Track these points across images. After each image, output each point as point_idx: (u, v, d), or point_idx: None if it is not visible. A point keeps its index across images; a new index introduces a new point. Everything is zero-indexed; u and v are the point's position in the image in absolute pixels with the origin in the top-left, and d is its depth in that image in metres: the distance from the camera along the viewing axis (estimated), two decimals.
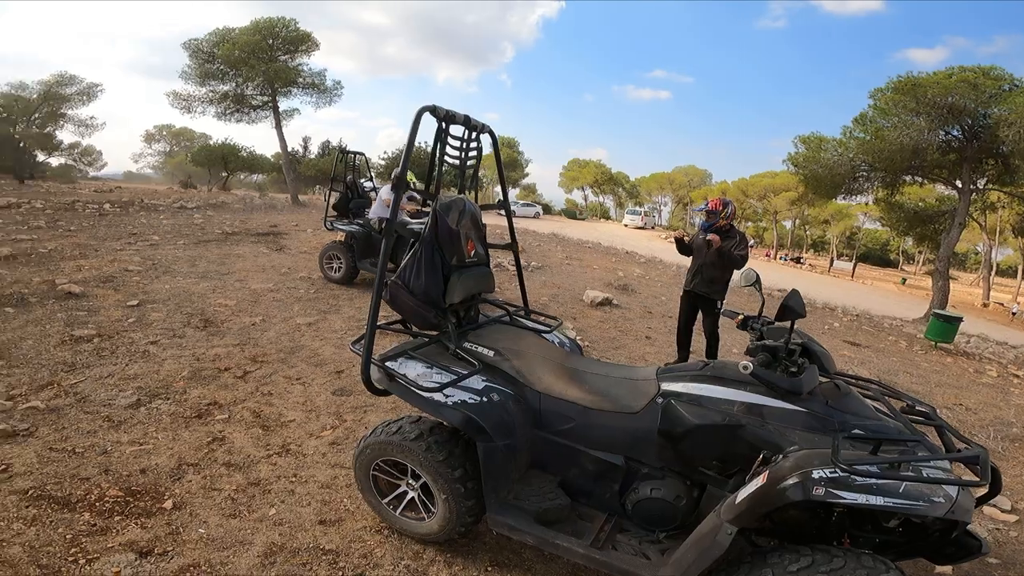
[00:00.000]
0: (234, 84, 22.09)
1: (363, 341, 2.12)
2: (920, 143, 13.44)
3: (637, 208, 47.80)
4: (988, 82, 12.76)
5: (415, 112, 2.05)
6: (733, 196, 44.70)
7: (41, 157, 42.30)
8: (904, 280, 37.89)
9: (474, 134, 2.37)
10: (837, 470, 1.45)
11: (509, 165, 53.36)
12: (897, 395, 2.07)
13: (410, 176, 7.09)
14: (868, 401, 1.96)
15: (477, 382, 2.09)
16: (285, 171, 24.30)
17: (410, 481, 2.25)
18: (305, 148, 44.85)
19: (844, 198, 17.08)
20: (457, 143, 2.33)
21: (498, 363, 2.19)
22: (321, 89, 23.94)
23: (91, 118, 37.45)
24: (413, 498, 2.27)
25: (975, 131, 13.49)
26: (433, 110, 2.13)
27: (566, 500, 2.08)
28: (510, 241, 2.83)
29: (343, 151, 7.43)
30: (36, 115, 34.05)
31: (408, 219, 6.95)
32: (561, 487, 2.14)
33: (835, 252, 49.05)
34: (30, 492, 2.42)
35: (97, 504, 2.39)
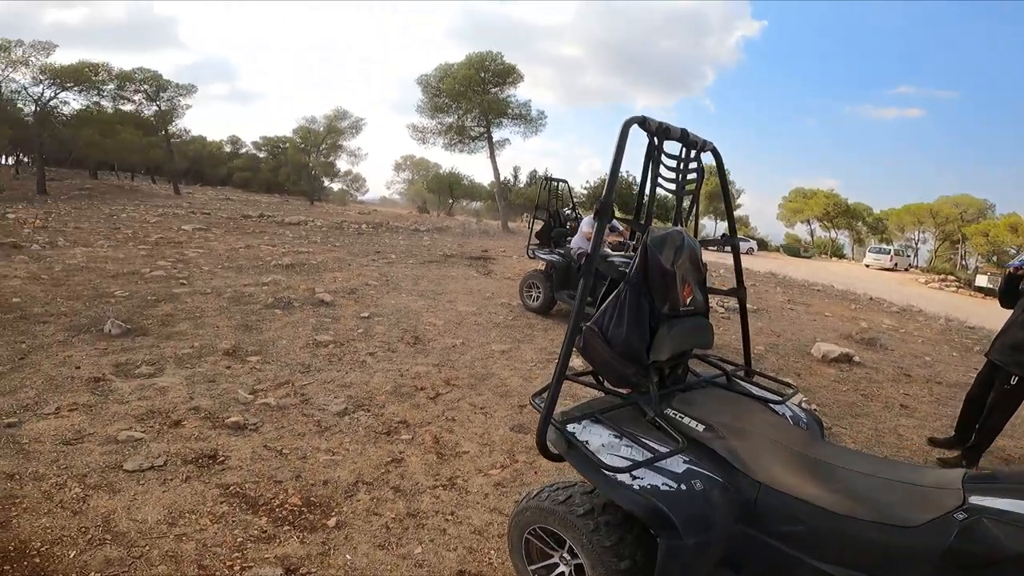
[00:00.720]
0: (456, 116, 24.98)
1: (545, 394, 1.80)
2: None
3: (884, 246, 39.91)
4: None
5: (621, 125, 1.68)
6: None
7: (325, 183, 53.37)
8: None
9: (693, 152, 1.94)
10: None
11: (717, 197, 49.91)
12: None
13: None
14: None
15: (677, 463, 1.64)
16: (498, 199, 26.44)
17: (565, 555, 1.90)
18: (515, 177, 48.38)
19: None
20: (672, 163, 1.91)
21: (708, 441, 1.71)
22: (527, 119, 25.87)
23: (358, 148, 46.01)
24: (563, 574, 1.91)
25: None
26: (643, 122, 1.75)
27: None
28: (736, 286, 2.26)
29: (548, 179, 7.53)
30: (323, 146, 42.57)
31: (609, 251, 6.66)
32: None
33: None
34: (231, 488, 2.67)
35: (277, 510, 2.53)
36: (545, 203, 7.40)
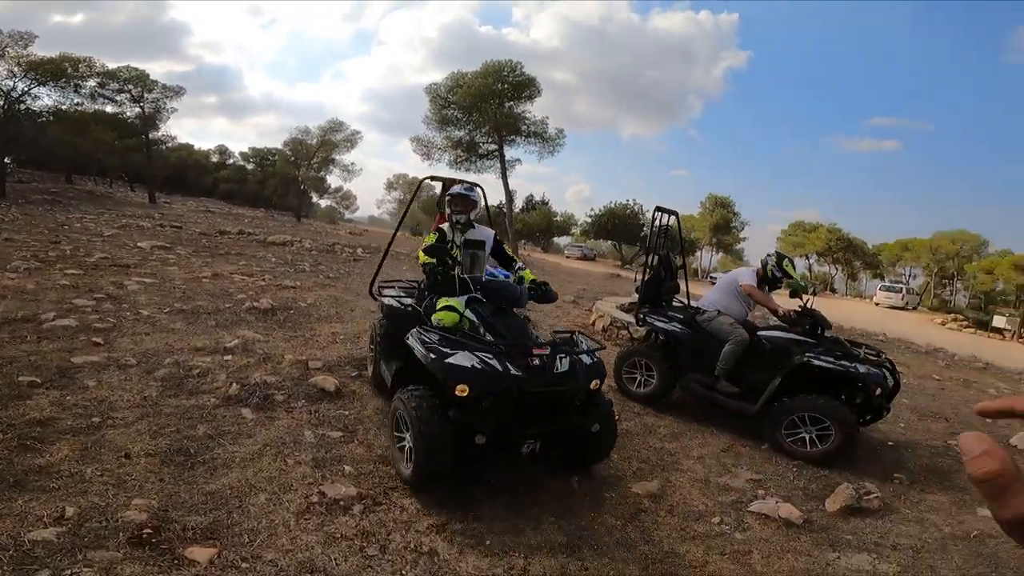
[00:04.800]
0: (466, 131, 22.48)
1: None
2: None
3: (894, 283, 38.51)
4: None
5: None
6: None
7: (314, 198, 48.93)
8: None
9: None
10: None
11: (722, 228, 48.45)
12: None
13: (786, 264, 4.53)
14: None
15: None
16: (508, 226, 24.02)
17: None
18: (511, 201, 45.70)
19: None
20: None
21: None
22: (544, 138, 23.46)
23: (352, 164, 41.67)
24: None
25: None
26: None
27: None
28: None
29: (660, 210, 5.11)
30: (314, 159, 38.85)
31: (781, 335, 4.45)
32: None
33: None
34: None
35: None
36: (657, 246, 4.99)
